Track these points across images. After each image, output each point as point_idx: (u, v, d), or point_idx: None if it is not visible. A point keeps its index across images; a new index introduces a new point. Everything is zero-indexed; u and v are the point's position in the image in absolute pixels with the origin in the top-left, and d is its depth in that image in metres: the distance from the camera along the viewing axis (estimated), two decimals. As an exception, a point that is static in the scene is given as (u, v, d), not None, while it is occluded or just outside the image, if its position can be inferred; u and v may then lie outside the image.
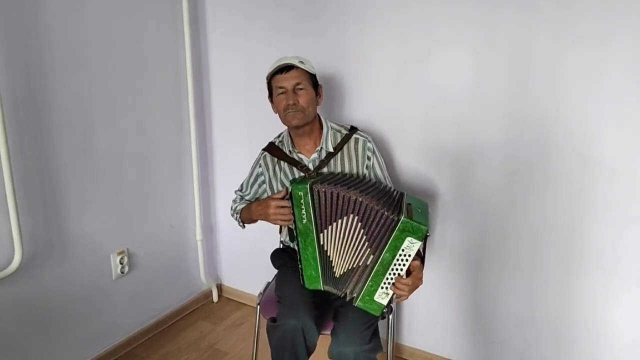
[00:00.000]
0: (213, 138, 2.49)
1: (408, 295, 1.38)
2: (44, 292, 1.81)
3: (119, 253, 2.08)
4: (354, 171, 1.65)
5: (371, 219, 1.37)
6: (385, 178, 1.69)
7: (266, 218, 1.59)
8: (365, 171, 1.66)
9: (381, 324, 1.53)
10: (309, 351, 1.48)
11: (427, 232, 1.32)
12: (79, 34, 1.81)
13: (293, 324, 1.43)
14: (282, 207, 1.53)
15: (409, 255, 1.34)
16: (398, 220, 1.32)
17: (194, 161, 2.38)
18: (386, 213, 1.34)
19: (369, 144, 1.66)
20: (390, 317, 1.67)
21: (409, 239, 1.32)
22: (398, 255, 1.35)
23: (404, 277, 1.37)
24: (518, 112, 1.68)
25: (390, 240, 1.34)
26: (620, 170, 1.56)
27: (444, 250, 1.95)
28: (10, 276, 1.66)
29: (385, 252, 1.35)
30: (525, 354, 1.87)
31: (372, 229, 1.37)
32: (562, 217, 1.69)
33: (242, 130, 2.36)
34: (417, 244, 1.32)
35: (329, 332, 1.52)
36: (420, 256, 1.42)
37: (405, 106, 1.89)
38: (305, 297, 1.50)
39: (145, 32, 2.07)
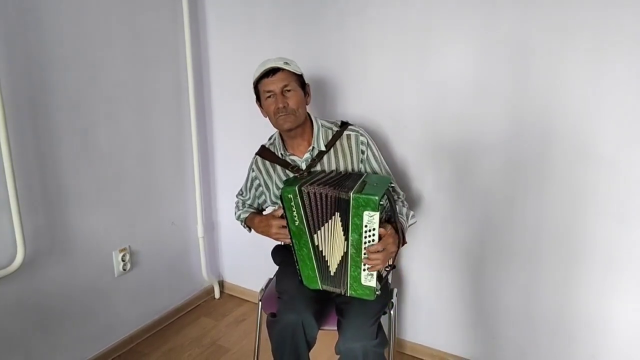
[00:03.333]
0: (214, 135, 2.49)
1: (382, 263, 1.38)
2: (46, 289, 1.82)
3: (121, 250, 2.09)
4: (350, 167, 1.64)
5: (345, 210, 1.37)
6: (381, 168, 1.67)
7: (269, 236, 1.62)
8: (361, 165, 1.65)
9: (383, 319, 1.53)
10: (309, 345, 1.48)
11: (380, 201, 1.31)
12: (80, 32, 1.81)
13: (293, 318, 1.43)
14: (284, 227, 1.53)
15: (374, 229, 1.34)
16: (349, 198, 1.33)
17: (195, 158, 2.39)
18: (339, 195, 1.35)
19: (361, 138, 1.65)
20: (392, 312, 1.68)
21: (366, 212, 1.32)
22: (364, 232, 1.35)
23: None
24: (518, 106, 1.68)
25: (351, 220, 1.34)
26: (621, 164, 1.56)
27: (444, 245, 1.95)
28: (13, 274, 1.67)
29: (352, 233, 1.36)
30: (525, 348, 1.88)
31: (345, 220, 1.38)
32: (562, 211, 1.69)
33: (243, 127, 2.36)
34: (376, 215, 1.32)
35: (329, 327, 1.52)
36: (394, 227, 1.41)
37: (406, 102, 1.88)
38: (304, 292, 1.50)
39: (145, 30, 2.07)
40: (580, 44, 1.54)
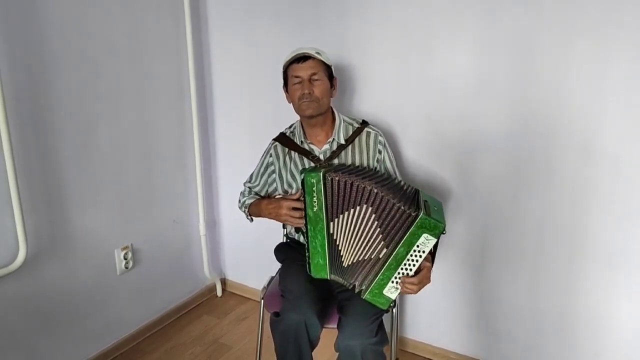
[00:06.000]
0: (215, 132, 2.48)
1: (414, 292, 1.39)
2: (48, 287, 1.82)
3: (123, 248, 2.09)
4: (365, 164, 1.65)
5: (386, 212, 1.36)
6: (395, 172, 1.69)
7: (277, 218, 1.61)
8: (376, 164, 1.66)
9: (385, 317, 1.53)
10: (312, 345, 1.48)
11: (444, 230, 1.32)
12: (81, 28, 1.81)
13: (296, 318, 1.43)
14: (295, 209, 1.53)
15: (423, 252, 1.34)
16: (417, 215, 1.31)
17: (197, 156, 2.38)
18: (403, 207, 1.33)
19: (380, 138, 1.67)
20: (394, 310, 1.67)
21: (425, 235, 1.32)
22: (412, 250, 1.35)
23: (413, 273, 1.38)
24: (521, 104, 1.67)
25: (406, 236, 1.33)
26: (624, 162, 1.55)
27: (447, 243, 1.94)
28: (15, 272, 1.67)
29: (400, 247, 1.35)
30: (528, 346, 1.87)
31: (387, 222, 1.37)
32: (565, 208, 1.68)
33: (245, 124, 2.35)
34: (433, 241, 1.33)
35: (333, 326, 1.52)
36: (432, 253, 1.43)
37: (408, 99, 1.88)
38: (308, 291, 1.50)
39: (146, 26, 2.06)
40: (584, 41, 1.53)
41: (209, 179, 2.54)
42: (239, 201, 1.84)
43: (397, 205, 1.34)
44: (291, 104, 1.65)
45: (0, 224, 1.64)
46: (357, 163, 1.65)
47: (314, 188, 1.41)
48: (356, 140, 1.66)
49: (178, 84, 2.27)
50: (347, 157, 1.65)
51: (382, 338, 1.46)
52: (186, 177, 2.39)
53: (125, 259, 2.10)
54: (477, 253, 1.90)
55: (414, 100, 1.87)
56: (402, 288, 1.39)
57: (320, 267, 1.49)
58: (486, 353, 1.98)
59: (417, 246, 1.34)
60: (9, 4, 1.58)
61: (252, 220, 1.81)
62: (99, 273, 2.01)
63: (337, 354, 1.46)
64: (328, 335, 1.54)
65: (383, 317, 1.52)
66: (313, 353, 1.50)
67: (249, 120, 2.33)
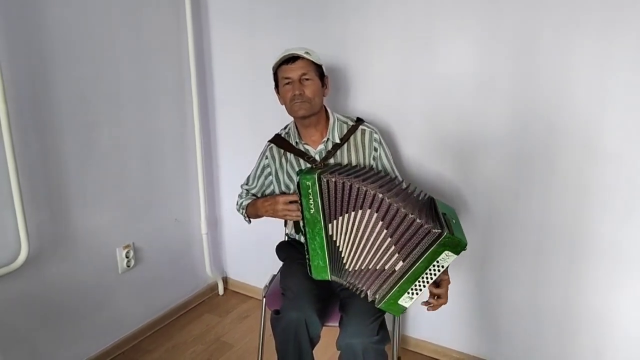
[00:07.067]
0: (217, 131, 2.48)
1: (442, 305, 1.44)
2: (50, 286, 1.83)
3: (125, 247, 2.09)
4: (361, 162, 1.65)
5: (397, 222, 1.33)
6: (392, 169, 1.68)
7: (274, 214, 1.61)
8: (372, 162, 1.65)
9: (387, 315, 1.53)
10: (313, 343, 1.48)
11: (465, 247, 1.32)
12: (82, 28, 1.81)
13: (295, 316, 1.43)
14: (291, 202, 1.54)
15: (442, 267, 1.33)
16: (440, 234, 1.29)
17: (198, 154, 2.38)
18: (419, 220, 1.30)
19: (375, 135, 1.66)
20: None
21: (446, 252, 1.31)
22: (432, 266, 1.34)
23: (429, 285, 1.37)
24: (523, 102, 1.67)
25: (428, 253, 1.31)
26: (625, 161, 1.55)
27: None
28: (17, 271, 1.67)
29: (420, 263, 1.33)
30: (530, 344, 1.87)
31: (400, 233, 1.33)
32: (567, 207, 1.68)
33: (246, 122, 2.35)
34: (453, 257, 1.32)
35: (334, 324, 1.52)
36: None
37: (409, 98, 1.88)
38: (309, 290, 1.50)
39: (147, 25, 2.07)
40: (585, 41, 1.52)
41: (210, 177, 2.54)
42: (237, 203, 1.84)
43: (411, 216, 1.30)
44: (283, 106, 1.65)
45: (2, 223, 1.64)
46: (354, 162, 1.64)
47: (310, 190, 1.41)
48: (351, 138, 1.66)
49: (179, 83, 2.27)
50: (342, 156, 1.65)
51: (384, 337, 1.45)
52: (187, 175, 2.39)
53: (126, 257, 2.10)
54: (478, 252, 1.90)
55: (415, 99, 1.86)
56: (431, 309, 1.43)
57: (320, 269, 1.48)
58: (488, 352, 1.98)
59: (437, 262, 1.33)
60: (9, 4, 1.58)
61: (249, 221, 1.81)
62: (100, 272, 2.01)
63: (339, 352, 1.46)
64: (330, 334, 1.54)
65: (385, 316, 1.52)
66: (314, 351, 1.50)
67: (250, 118, 2.33)
